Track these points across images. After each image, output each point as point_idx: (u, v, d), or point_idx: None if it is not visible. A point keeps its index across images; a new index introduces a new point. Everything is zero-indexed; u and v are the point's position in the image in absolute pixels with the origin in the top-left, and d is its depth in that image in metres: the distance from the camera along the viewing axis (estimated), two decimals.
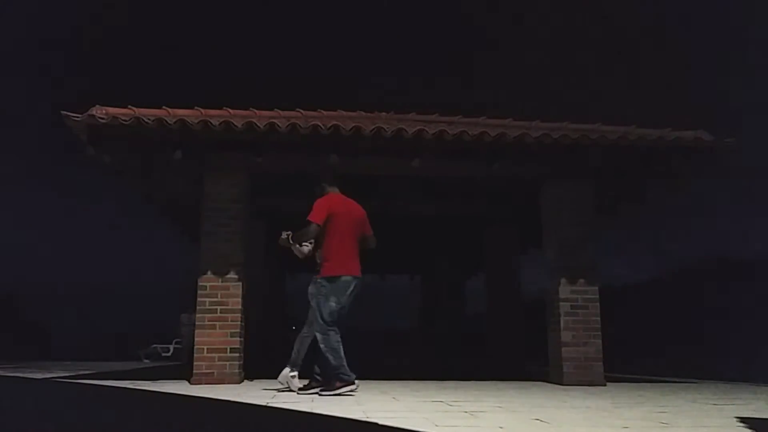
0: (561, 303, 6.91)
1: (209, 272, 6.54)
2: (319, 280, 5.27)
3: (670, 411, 4.11)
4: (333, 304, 5.12)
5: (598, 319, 6.91)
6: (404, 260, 14.12)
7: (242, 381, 6.46)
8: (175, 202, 8.59)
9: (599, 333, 6.88)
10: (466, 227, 10.75)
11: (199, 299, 6.48)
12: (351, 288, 5.23)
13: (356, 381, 5.04)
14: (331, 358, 5.03)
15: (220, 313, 6.43)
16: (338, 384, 4.98)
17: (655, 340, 12.66)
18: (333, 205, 5.31)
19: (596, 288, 6.98)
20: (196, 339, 6.41)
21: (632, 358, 10.50)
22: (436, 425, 3.29)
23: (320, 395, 4.94)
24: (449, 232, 11.36)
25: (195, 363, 6.36)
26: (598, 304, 6.93)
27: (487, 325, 10.41)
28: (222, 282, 6.51)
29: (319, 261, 5.42)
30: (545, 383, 6.87)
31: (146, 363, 13.68)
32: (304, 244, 5.50)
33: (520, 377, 7.68)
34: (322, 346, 5.08)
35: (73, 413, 4.10)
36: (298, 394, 5.13)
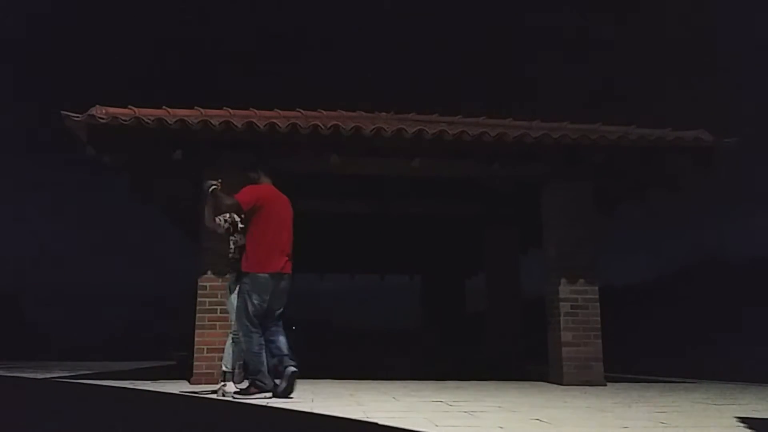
0: (561, 303, 6.91)
1: (209, 272, 6.54)
2: (243, 277, 4.86)
3: (670, 411, 4.11)
4: (256, 302, 4.76)
5: (598, 319, 6.91)
6: (404, 260, 14.13)
7: (242, 381, 6.45)
8: (175, 202, 8.59)
9: (599, 333, 6.88)
10: (466, 227, 10.75)
11: (199, 299, 6.49)
12: (279, 286, 4.88)
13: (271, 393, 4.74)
14: (251, 363, 4.77)
15: (220, 313, 6.43)
16: (253, 390, 4.71)
17: (655, 340, 12.66)
18: (265, 195, 4.93)
19: (596, 288, 6.98)
20: (196, 339, 6.41)
21: (632, 358, 10.49)
22: (436, 425, 3.29)
23: (234, 398, 4.70)
24: (449, 232, 11.36)
25: (195, 363, 6.36)
26: (598, 304, 6.93)
27: (487, 325, 10.42)
28: (222, 282, 6.49)
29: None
30: (545, 383, 6.87)
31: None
32: (220, 219, 5.09)
33: (520, 377, 7.68)
34: (243, 347, 4.81)
35: (73, 413, 4.10)
36: (234, 397, 4.80)
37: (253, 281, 4.79)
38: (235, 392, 4.87)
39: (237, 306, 4.90)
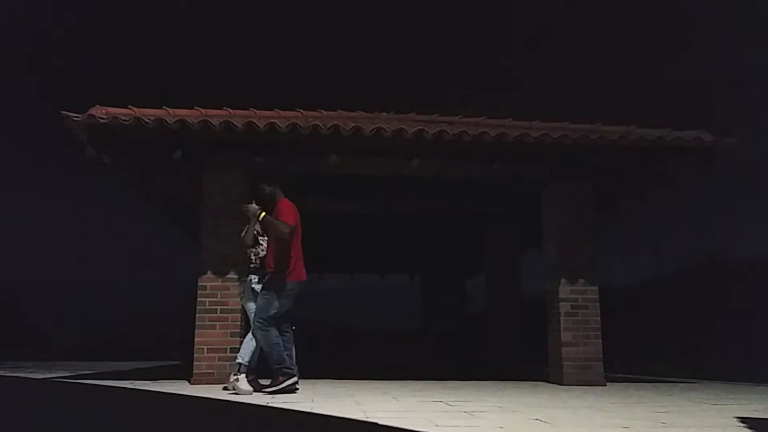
0: (561, 303, 6.92)
1: (209, 272, 6.54)
2: (272, 281, 5.32)
3: (670, 411, 4.12)
4: (280, 305, 5.25)
5: (598, 319, 6.91)
6: (404, 260, 14.13)
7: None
8: (174, 202, 8.59)
9: (599, 333, 6.88)
10: (466, 227, 10.75)
11: (199, 299, 6.48)
12: (298, 291, 5.41)
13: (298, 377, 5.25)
14: (273, 353, 5.16)
15: (220, 313, 6.43)
16: (281, 378, 5.12)
17: (655, 341, 12.65)
18: (297, 212, 5.47)
19: (596, 288, 6.98)
20: (196, 339, 6.41)
21: (632, 358, 10.50)
22: (436, 425, 3.30)
23: (265, 392, 5.06)
24: (449, 232, 11.37)
25: (195, 363, 6.36)
26: (598, 304, 6.94)
27: (487, 325, 10.42)
28: (222, 282, 6.51)
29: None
30: (545, 383, 6.87)
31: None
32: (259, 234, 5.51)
33: (520, 377, 7.68)
34: (263, 341, 5.20)
35: (73, 413, 4.10)
36: (264, 392, 5.15)
37: (283, 287, 5.28)
38: (265, 390, 5.10)
39: (259, 303, 5.29)
